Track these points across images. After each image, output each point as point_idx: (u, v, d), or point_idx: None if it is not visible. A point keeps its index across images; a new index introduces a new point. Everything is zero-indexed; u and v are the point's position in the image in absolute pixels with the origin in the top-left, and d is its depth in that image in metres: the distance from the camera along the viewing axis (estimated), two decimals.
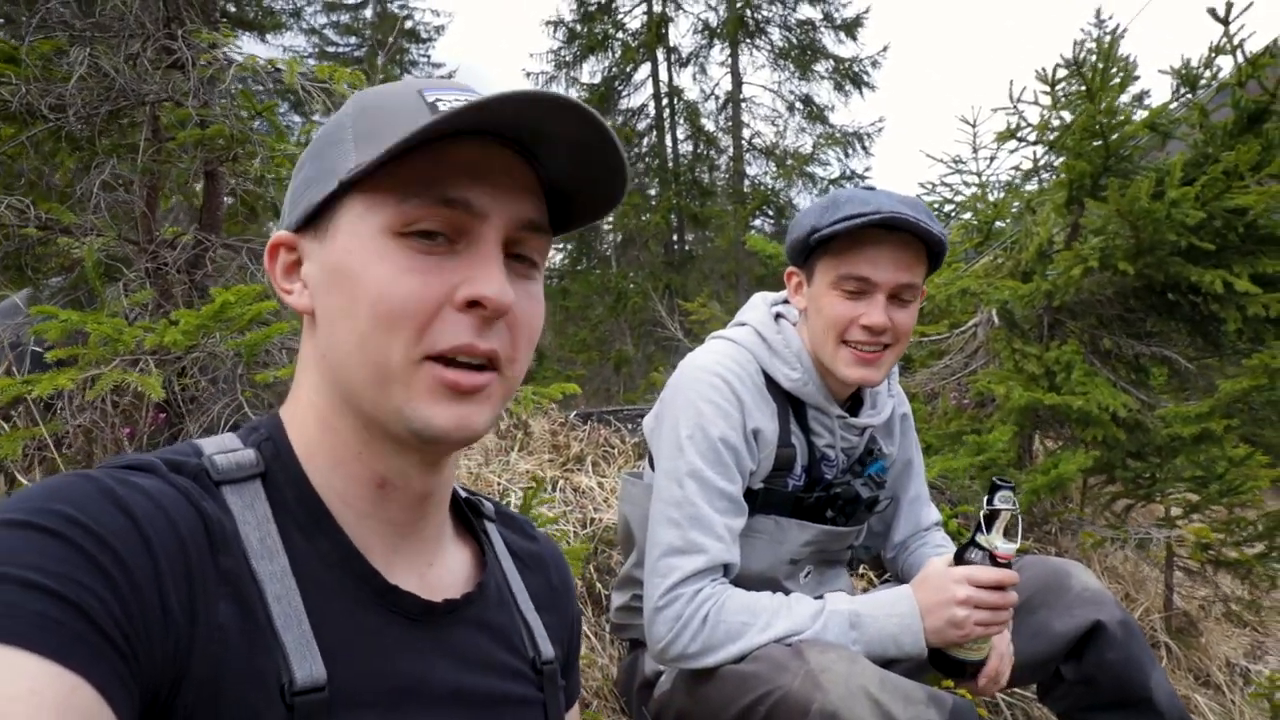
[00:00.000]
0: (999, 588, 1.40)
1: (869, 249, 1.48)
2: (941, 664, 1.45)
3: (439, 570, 0.78)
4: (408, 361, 0.67)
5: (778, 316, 1.65)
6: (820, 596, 1.48)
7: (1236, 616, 3.09)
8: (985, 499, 1.40)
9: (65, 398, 1.39)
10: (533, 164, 0.72)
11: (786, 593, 1.55)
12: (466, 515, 0.86)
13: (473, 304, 0.67)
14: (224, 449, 0.70)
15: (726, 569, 1.48)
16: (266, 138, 1.68)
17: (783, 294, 1.73)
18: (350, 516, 0.72)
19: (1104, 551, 3.07)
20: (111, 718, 0.53)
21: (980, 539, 1.42)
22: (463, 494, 0.88)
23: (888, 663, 1.61)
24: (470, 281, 0.67)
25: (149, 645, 0.56)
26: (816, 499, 1.61)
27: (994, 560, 1.41)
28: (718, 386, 1.51)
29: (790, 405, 1.59)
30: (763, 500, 1.58)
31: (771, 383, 1.58)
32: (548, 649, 0.84)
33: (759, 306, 1.68)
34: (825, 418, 1.61)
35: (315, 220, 0.71)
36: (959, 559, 1.45)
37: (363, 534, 0.72)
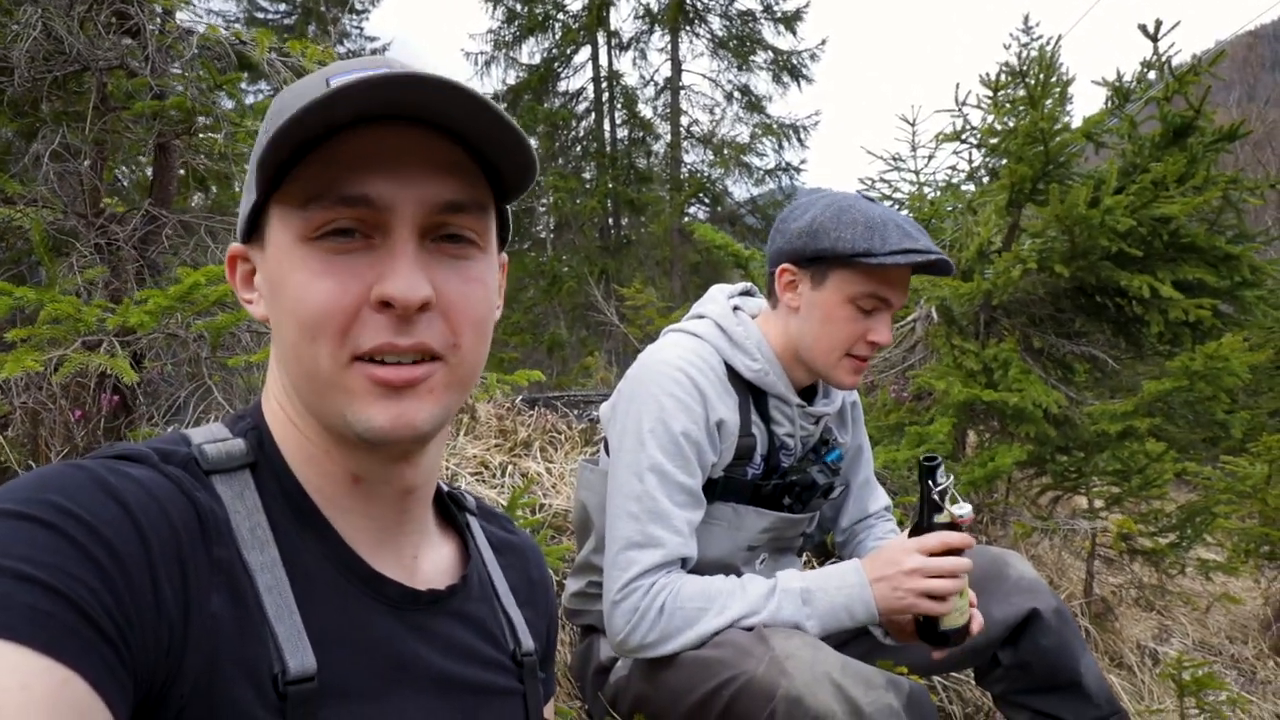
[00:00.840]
0: (952, 552, 1.43)
1: (895, 274, 1.52)
2: (928, 635, 1.47)
3: (423, 563, 0.79)
4: (336, 366, 0.66)
5: (735, 309, 1.67)
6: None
7: (1147, 601, 3.27)
8: (926, 480, 1.43)
9: (10, 378, 1.31)
10: (459, 139, 0.68)
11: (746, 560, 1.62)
12: (449, 509, 0.87)
13: (381, 303, 0.65)
14: (213, 438, 0.70)
15: (684, 562, 1.50)
16: (230, 112, 1.61)
17: (739, 286, 1.75)
18: (333, 511, 0.72)
19: (1031, 541, 3.21)
20: (104, 710, 0.52)
21: (939, 519, 1.44)
22: (444, 488, 0.88)
23: (854, 636, 1.66)
24: (380, 280, 0.65)
25: (142, 636, 0.56)
26: (774, 487, 1.65)
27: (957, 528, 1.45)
28: (679, 381, 1.52)
29: (751, 395, 1.62)
30: (722, 488, 1.60)
31: (733, 373, 1.60)
32: (528, 641, 0.85)
33: (717, 299, 1.70)
34: (786, 406, 1.64)
35: (255, 230, 0.71)
36: (914, 533, 1.48)
37: (346, 527, 0.72)
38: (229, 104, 1.64)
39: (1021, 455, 2.56)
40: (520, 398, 3.46)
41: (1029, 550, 3.20)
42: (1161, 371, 2.74)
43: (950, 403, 2.74)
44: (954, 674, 2.30)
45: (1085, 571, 3.08)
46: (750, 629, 1.42)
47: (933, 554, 1.43)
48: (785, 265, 1.59)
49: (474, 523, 0.90)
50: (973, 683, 2.23)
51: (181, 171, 1.71)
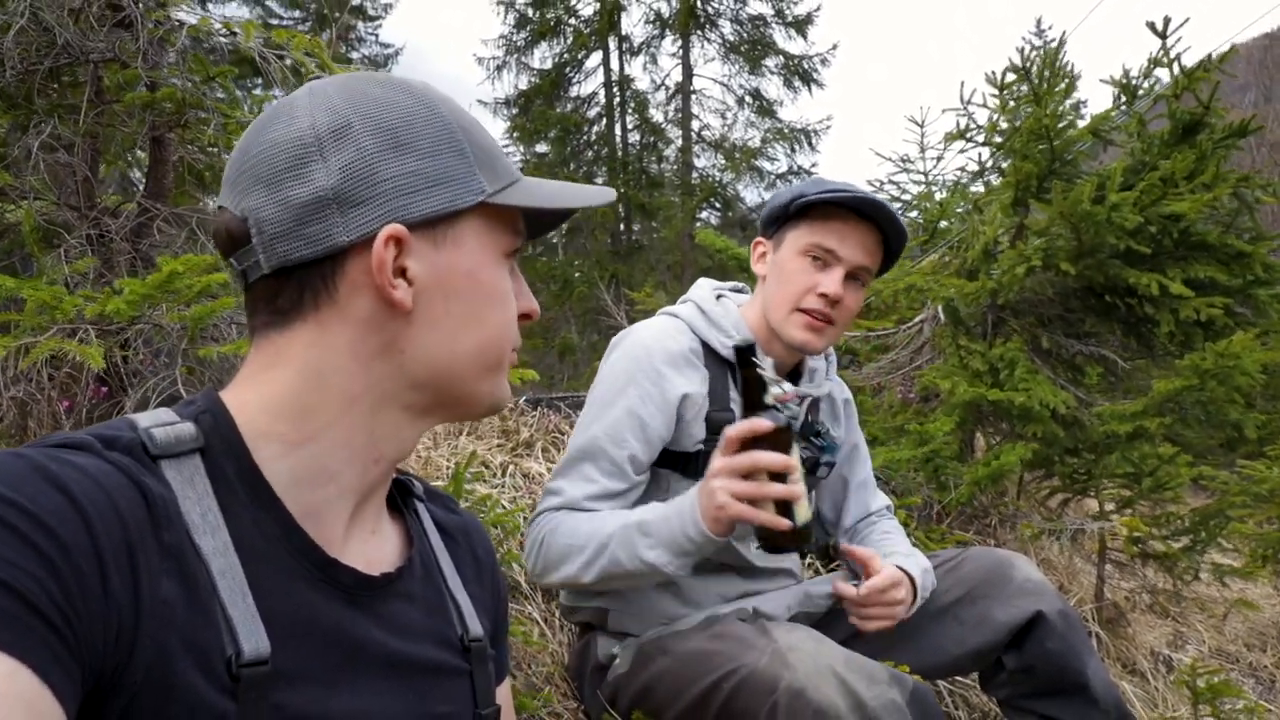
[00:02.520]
0: (756, 447, 1.29)
1: (841, 225, 1.59)
2: (765, 546, 1.33)
3: (379, 539, 0.81)
4: (508, 355, 0.82)
5: (719, 297, 1.73)
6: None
7: (1161, 608, 3.22)
8: (744, 365, 1.31)
9: None
10: None
11: (738, 559, 1.64)
12: (394, 496, 0.88)
13: (525, 315, 0.83)
14: (160, 422, 0.68)
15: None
16: (220, 104, 1.61)
17: (729, 284, 1.80)
18: (321, 494, 0.72)
19: (1040, 544, 3.16)
20: (52, 701, 0.52)
21: (764, 404, 1.31)
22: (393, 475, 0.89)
23: (856, 634, 1.62)
24: (525, 298, 0.83)
25: (90, 626, 0.55)
26: None
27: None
28: (637, 356, 1.59)
29: (730, 373, 1.65)
30: (704, 464, 1.60)
31: (710, 352, 1.64)
32: (476, 627, 0.86)
33: (703, 286, 1.77)
34: None
35: (430, 223, 0.73)
36: None
37: (325, 508, 0.73)
38: (221, 96, 1.64)
39: (1027, 454, 2.53)
40: (524, 399, 3.45)
41: (1038, 554, 3.16)
42: (1172, 371, 2.70)
43: (955, 402, 2.71)
44: (959, 678, 2.27)
45: (1096, 576, 3.04)
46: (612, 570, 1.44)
47: (740, 449, 1.30)
48: (757, 239, 1.70)
49: (421, 508, 0.90)
50: (978, 687, 2.20)
51: (177, 164, 1.71)
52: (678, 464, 1.62)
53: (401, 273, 0.72)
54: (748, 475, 1.29)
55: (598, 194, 0.87)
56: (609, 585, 1.49)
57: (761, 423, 1.27)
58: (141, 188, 1.73)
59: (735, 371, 1.65)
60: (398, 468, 0.90)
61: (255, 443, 0.70)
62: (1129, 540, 2.81)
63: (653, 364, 1.58)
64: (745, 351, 1.31)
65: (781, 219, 1.65)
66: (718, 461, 1.32)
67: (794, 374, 1.74)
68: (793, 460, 1.28)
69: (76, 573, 0.55)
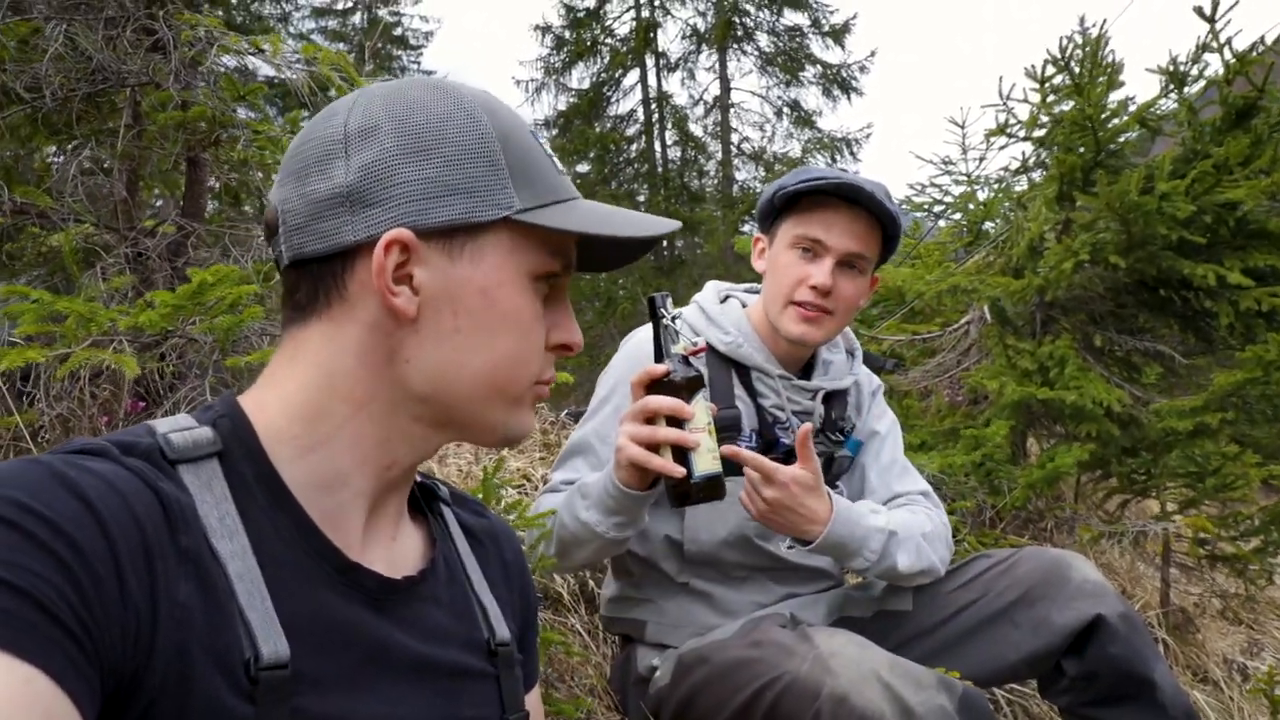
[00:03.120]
0: (654, 392, 1.28)
1: (825, 214, 1.58)
2: (671, 498, 1.29)
3: (400, 543, 0.80)
4: (529, 385, 0.78)
5: (726, 299, 1.76)
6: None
7: (1233, 613, 3.08)
8: (652, 314, 1.30)
9: (43, 388, 1.35)
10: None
11: (768, 558, 1.64)
12: (418, 499, 0.87)
13: (562, 347, 0.80)
14: (178, 427, 0.69)
15: None
16: (251, 121, 1.64)
17: (741, 286, 1.82)
18: (337, 497, 0.72)
19: (1099, 548, 3.06)
20: (70, 707, 0.52)
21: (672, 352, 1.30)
22: (417, 479, 0.88)
23: (906, 641, 1.59)
24: (563, 329, 0.79)
25: (108, 631, 0.55)
26: (772, 460, 1.61)
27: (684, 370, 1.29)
28: (633, 356, 1.65)
29: (735, 370, 1.66)
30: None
31: (710, 350, 1.66)
32: (503, 630, 0.84)
33: (707, 289, 1.80)
34: (769, 379, 1.67)
35: (447, 232, 0.71)
36: None
37: (341, 511, 0.72)
38: (253, 114, 1.68)
39: (1083, 455, 2.44)
40: (565, 412, 3.45)
41: (1098, 557, 3.05)
42: (1234, 365, 2.59)
43: (1005, 403, 2.63)
44: (1017, 686, 2.19)
45: (1160, 580, 2.92)
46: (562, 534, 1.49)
47: (643, 394, 1.29)
48: (756, 235, 1.71)
49: (446, 511, 0.89)
50: (1038, 695, 2.12)
51: (215, 184, 1.75)
52: None
53: (408, 280, 0.71)
54: (648, 422, 1.28)
55: (655, 224, 0.81)
56: (572, 559, 1.52)
57: (657, 368, 1.28)
58: (179, 208, 1.77)
59: (740, 370, 1.67)
60: (421, 472, 0.90)
61: (272, 445, 0.70)
62: (1194, 542, 2.69)
63: (644, 363, 1.57)
64: (652, 302, 1.31)
65: (772, 214, 1.66)
66: (626, 411, 1.32)
67: (806, 369, 1.73)
68: (688, 408, 1.25)
69: (94, 578, 0.55)
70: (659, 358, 1.31)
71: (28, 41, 1.47)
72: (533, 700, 0.92)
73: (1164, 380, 3.12)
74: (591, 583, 2.30)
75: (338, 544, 0.71)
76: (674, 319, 1.30)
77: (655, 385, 1.28)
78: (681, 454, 1.25)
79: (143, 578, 0.58)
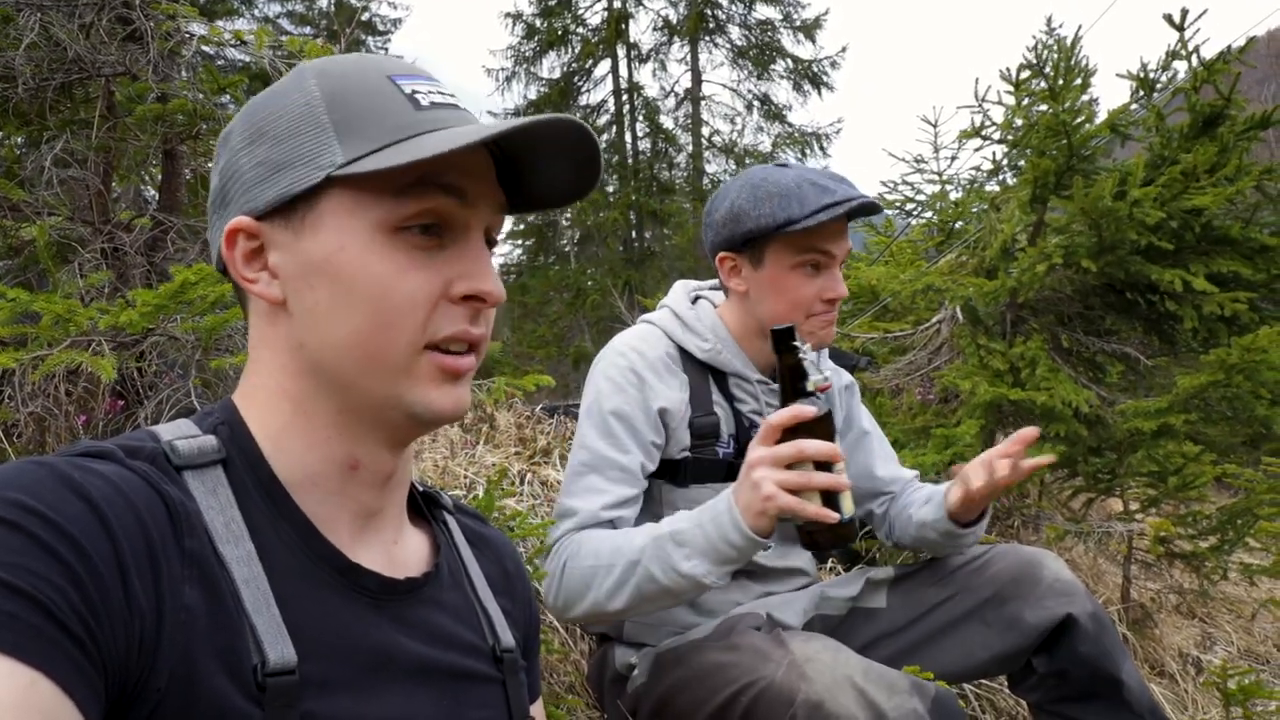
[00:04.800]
0: (800, 436, 1.23)
1: (827, 230, 1.55)
2: (806, 544, 1.28)
3: (401, 549, 0.79)
4: (412, 352, 0.70)
5: (696, 299, 1.72)
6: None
7: (1188, 608, 3.17)
8: (783, 348, 1.25)
9: (16, 384, 1.31)
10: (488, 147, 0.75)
11: (749, 564, 1.55)
12: (421, 506, 0.87)
13: (469, 298, 0.71)
14: (182, 435, 0.69)
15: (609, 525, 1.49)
16: (231, 114, 1.60)
17: (707, 283, 1.78)
18: (318, 496, 0.71)
19: (1064, 544, 3.12)
20: (73, 711, 0.51)
21: (804, 389, 1.26)
22: (420, 487, 0.88)
23: (876, 640, 1.60)
24: (467, 277, 0.71)
25: (112, 634, 0.55)
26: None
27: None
28: (617, 364, 1.58)
29: (711, 376, 1.65)
30: (693, 470, 1.60)
31: (688, 357, 1.64)
32: (507, 637, 0.84)
33: (677, 290, 1.76)
34: (747, 384, 1.66)
35: (285, 209, 0.70)
36: None
37: (329, 514, 0.72)
38: (233, 107, 1.64)
39: (1054, 456, 2.49)
40: (540, 406, 3.44)
41: (1063, 554, 3.12)
42: (1196, 368, 2.65)
43: (976, 403, 2.67)
44: (986, 681, 2.24)
45: (1122, 576, 2.99)
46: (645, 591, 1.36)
47: (781, 438, 1.24)
48: (722, 254, 1.63)
49: (450, 519, 0.89)
50: (1007, 690, 2.16)
51: (190, 177, 1.71)
52: (666, 472, 1.60)
53: (267, 266, 0.72)
54: (790, 465, 1.22)
55: (503, 124, 0.69)
56: (639, 611, 1.40)
57: (807, 409, 1.21)
58: (155, 201, 1.73)
59: (716, 375, 1.65)
60: (425, 484, 0.90)
61: (263, 449, 0.71)
62: (1155, 540, 2.76)
63: (633, 369, 1.57)
64: (785, 335, 1.25)
65: (758, 237, 1.56)
66: (758, 451, 1.25)
67: None
68: (840, 451, 1.21)
69: (98, 581, 0.55)
70: (790, 394, 1.26)
71: None
72: (536, 712, 0.92)
73: (1125, 380, 3.18)
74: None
75: (342, 544, 0.71)
76: (808, 353, 1.24)
77: (798, 426, 1.22)
78: (828, 497, 1.21)
79: (147, 580, 0.58)
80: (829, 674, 1.25)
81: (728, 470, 1.62)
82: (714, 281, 1.77)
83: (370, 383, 0.70)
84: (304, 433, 0.72)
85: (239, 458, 0.69)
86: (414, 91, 0.72)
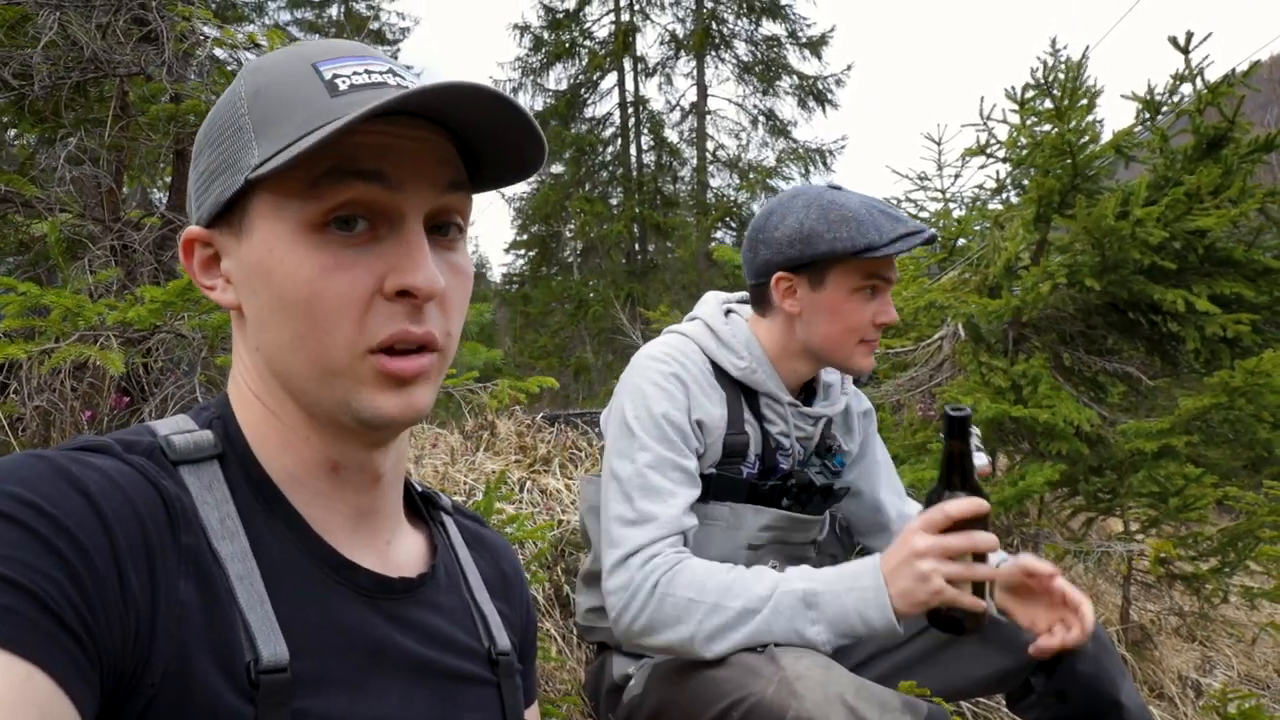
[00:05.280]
0: (965, 526, 1.26)
1: (891, 257, 1.55)
2: (941, 624, 1.32)
3: (396, 548, 0.78)
4: (351, 356, 0.66)
5: (728, 312, 1.69)
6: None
7: (1188, 631, 3.16)
8: (954, 435, 1.26)
9: (23, 379, 1.32)
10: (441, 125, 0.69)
11: None
12: (419, 506, 0.87)
13: (403, 293, 0.65)
14: (179, 430, 0.69)
15: (684, 536, 1.46)
16: None
17: (736, 295, 1.76)
18: (305, 496, 0.71)
19: (1063, 564, 3.11)
20: (69, 706, 0.51)
21: (958, 484, 1.27)
22: (418, 488, 0.88)
23: (873, 656, 1.59)
24: (398, 271, 0.65)
25: (108, 629, 0.55)
26: (771, 487, 1.62)
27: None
28: (660, 370, 1.55)
29: (742, 393, 1.62)
30: (716, 487, 1.58)
31: (721, 372, 1.61)
32: (503, 640, 0.84)
33: (709, 302, 1.72)
34: (778, 405, 1.64)
35: (227, 215, 0.69)
36: (926, 506, 1.32)
37: (319, 513, 0.72)
38: None
39: (1053, 475, 2.48)
40: (541, 415, 3.44)
41: (1062, 574, 3.11)
42: (1199, 389, 2.66)
43: (977, 420, 2.67)
44: (984, 700, 2.23)
45: (1121, 597, 2.99)
46: (752, 645, 1.34)
47: (950, 527, 1.26)
48: (780, 274, 1.59)
49: (448, 520, 0.89)
50: (1005, 709, 2.15)
51: None
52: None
53: (221, 272, 0.72)
54: (953, 555, 1.25)
55: (389, 94, 0.62)
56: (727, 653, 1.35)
57: (983, 503, 1.23)
58: (165, 201, 1.74)
59: (747, 393, 1.62)
60: (424, 485, 0.90)
61: (254, 447, 0.71)
62: (1155, 561, 2.76)
63: (678, 376, 1.55)
64: (962, 422, 1.26)
65: (828, 259, 1.55)
66: (925, 540, 1.27)
67: (808, 390, 1.72)
68: (997, 541, 1.24)
69: (95, 576, 0.55)
70: (955, 481, 1.27)
71: (16, 27, 1.44)
72: (531, 716, 0.92)
73: (1126, 400, 3.18)
74: (567, 587, 2.30)
75: (335, 543, 0.71)
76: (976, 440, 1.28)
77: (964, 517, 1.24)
78: (978, 586, 1.25)
79: (143, 575, 0.58)
80: (820, 691, 1.24)
81: (750, 490, 1.61)
82: (743, 294, 1.75)
83: (315, 386, 0.67)
84: (278, 434, 0.71)
85: (232, 453, 0.69)
86: (334, 76, 0.67)
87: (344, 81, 0.67)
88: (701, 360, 1.60)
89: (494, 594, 0.88)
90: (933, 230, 1.56)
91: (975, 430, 1.27)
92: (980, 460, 1.28)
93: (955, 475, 1.27)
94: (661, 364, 1.56)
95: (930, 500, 1.31)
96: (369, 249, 0.65)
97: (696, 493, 1.51)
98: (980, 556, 1.26)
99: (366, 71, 0.68)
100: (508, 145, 0.71)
